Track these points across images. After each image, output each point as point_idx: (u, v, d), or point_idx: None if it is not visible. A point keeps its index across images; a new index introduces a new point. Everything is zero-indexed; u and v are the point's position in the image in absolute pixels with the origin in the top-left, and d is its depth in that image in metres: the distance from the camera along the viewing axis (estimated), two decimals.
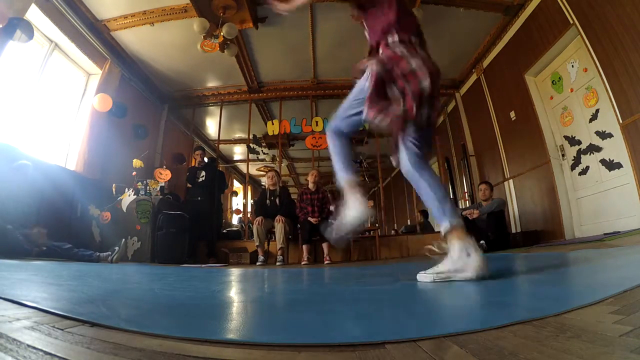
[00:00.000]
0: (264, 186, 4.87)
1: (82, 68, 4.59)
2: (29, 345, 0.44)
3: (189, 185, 5.12)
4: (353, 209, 1.36)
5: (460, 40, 4.81)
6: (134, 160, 4.69)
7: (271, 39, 4.79)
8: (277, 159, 6.65)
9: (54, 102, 4.18)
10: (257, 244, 4.20)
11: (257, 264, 4.09)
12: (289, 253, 4.63)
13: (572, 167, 3.84)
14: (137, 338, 0.50)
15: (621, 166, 3.18)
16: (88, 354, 0.44)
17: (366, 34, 1.52)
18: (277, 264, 4.03)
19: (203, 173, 4.86)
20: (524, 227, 4.49)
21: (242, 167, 8.74)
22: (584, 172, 3.68)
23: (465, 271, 1.13)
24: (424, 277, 1.21)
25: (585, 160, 3.65)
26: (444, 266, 1.18)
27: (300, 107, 6.12)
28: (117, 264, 3.07)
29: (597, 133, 3.44)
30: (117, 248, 3.23)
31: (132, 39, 4.68)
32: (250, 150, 6.44)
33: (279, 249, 4.10)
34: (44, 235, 2.86)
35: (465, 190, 5.68)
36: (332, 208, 4.63)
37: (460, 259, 1.15)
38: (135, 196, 4.22)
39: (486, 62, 5.14)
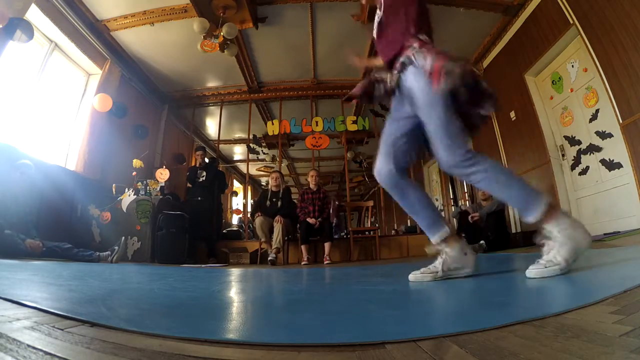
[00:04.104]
0: (265, 186, 4.85)
1: (82, 68, 4.59)
2: (29, 345, 0.44)
3: (189, 185, 5.12)
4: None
5: (460, 40, 4.81)
6: (134, 160, 4.69)
7: (271, 39, 4.80)
8: (277, 159, 6.65)
9: (54, 102, 4.18)
10: (262, 239, 4.17)
11: (269, 259, 4.01)
12: (289, 253, 4.63)
13: (572, 167, 3.83)
14: (137, 338, 0.50)
15: (621, 166, 3.18)
16: (88, 354, 0.44)
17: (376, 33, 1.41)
18: (269, 259, 4.00)
19: (203, 173, 4.86)
20: (524, 227, 4.48)
21: (242, 167, 8.74)
22: (584, 172, 3.68)
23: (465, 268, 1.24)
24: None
25: (585, 160, 3.65)
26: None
27: (300, 107, 6.13)
28: (117, 264, 3.07)
29: (597, 133, 3.44)
30: (116, 247, 3.22)
31: (132, 39, 4.68)
32: (250, 150, 6.45)
33: (275, 248, 4.09)
34: (40, 247, 2.86)
35: (465, 191, 5.68)
36: (334, 204, 4.64)
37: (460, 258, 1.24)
38: (135, 196, 4.22)
39: (486, 62, 5.14)
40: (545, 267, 1.06)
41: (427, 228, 1.30)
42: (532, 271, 1.08)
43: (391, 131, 1.36)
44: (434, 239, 1.28)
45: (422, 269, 1.27)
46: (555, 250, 1.07)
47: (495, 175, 1.12)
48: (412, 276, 1.27)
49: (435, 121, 1.17)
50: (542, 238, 1.11)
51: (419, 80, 1.20)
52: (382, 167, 1.35)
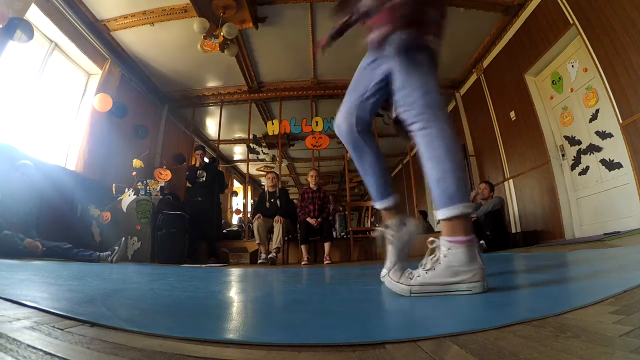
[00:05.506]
0: (264, 187, 4.85)
1: (82, 68, 4.60)
2: (29, 345, 0.44)
3: (189, 185, 5.13)
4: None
5: (460, 40, 4.81)
6: (134, 160, 4.69)
7: (271, 39, 4.80)
8: (277, 159, 6.66)
9: (54, 102, 4.18)
10: (257, 241, 4.19)
11: (259, 261, 4.07)
12: (289, 253, 4.63)
13: (572, 167, 3.84)
14: (137, 338, 0.50)
15: (621, 166, 3.18)
16: (88, 354, 0.44)
17: None
18: (270, 256, 4.00)
19: (204, 174, 4.86)
20: (524, 227, 4.49)
21: (242, 167, 8.75)
22: (584, 172, 3.68)
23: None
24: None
25: (585, 160, 3.65)
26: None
27: (300, 107, 6.13)
28: (117, 264, 3.07)
29: (597, 133, 3.44)
30: (117, 248, 3.23)
31: (132, 39, 4.68)
32: (250, 150, 6.45)
33: (275, 248, 4.10)
34: (38, 247, 2.86)
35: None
36: (331, 207, 4.64)
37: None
38: (135, 196, 4.22)
39: (486, 62, 5.14)
40: (398, 282, 0.91)
41: (374, 193, 1.23)
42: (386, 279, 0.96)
43: (363, 80, 1.20)
44: (377, 205, 1.22)
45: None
46: (430, 265, 0.91)
47: (436, 140, 0.97)
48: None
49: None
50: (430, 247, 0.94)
51: None
52: (342, 122, 1.23)
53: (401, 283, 0.90)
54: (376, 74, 1.15)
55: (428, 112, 0.97)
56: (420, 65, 1.02)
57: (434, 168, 0.95)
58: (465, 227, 0.90)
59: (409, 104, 1.00)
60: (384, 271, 1.18)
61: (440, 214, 0.93)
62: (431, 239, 0.95)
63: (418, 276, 0.89)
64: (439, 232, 1.03)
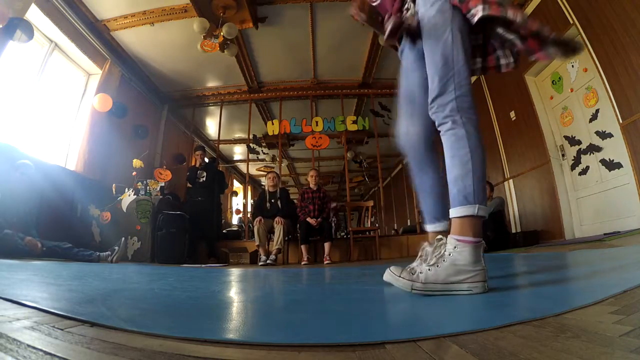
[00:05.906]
0: (264, 187, 4.84)
1: (82, 68, 4.60)
2: (29, 345, 0.44)
3: (189, 185, 5.13)
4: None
5: None
6: (134, 160, 4.69)
7: (271, 38, 4.80)
8: (277, 159, 6.66)
9: (54, 102, 4.18)
10: (257, 243, 4.20)
11: (260, 264, 4.07)
12: (289, 253, 4.63)
13: (572, 167, 3.83)
14: (137, 338, 0.50)
15: (621, 166, 3.18)
16: (88, 354, 0.44)
17: None
18: (268, 262, 3.98)
19: (204, 174, 4.86)
20: (524, 227, 4.48)
21: (242, 167, 8.75)
22: (584, 172, 3.68)
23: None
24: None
25: (585, 160, 3.65)
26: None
27: (300, 107, 6.13)
28: (117, 264, 3.07)
29: (597, 133, 3.44)
30: (117, 248, 3.23)
31: (132, 39, 4.68)
32: (250, 150, 6.45)
33: (276, 249, 4.09)
34: (38, 246, 2.85)
35: None
36: (332, 206, 4.64)
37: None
38: (135, 196, 4.22)
39: None
40: (399, 276, 0.90)
41: (426, 214, 1.18)
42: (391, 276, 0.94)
43: (407, 84, 1.18)
44: (428, 227, 1.17)
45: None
46: (430, 263, 0.90)
47: (461, 141, 0.96)
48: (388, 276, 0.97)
49: (439, 49, 1.02)
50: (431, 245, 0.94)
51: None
52: (408, 129, 1.17)
53: (403, 277, 0.90)
54: (418, 77, 1.16)
55: (458, 115, 0.97)
56: (465, 51, 1.01)
57: (455, 166, 0.96)
58: (476, 229, 0.90)
59: (440, 104, 1.00)
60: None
61: (453, 211, 0.93)
62: (439, 236, 0.95)
63: (421, 272, 0.89)
64: (441, 231, 1.02)
